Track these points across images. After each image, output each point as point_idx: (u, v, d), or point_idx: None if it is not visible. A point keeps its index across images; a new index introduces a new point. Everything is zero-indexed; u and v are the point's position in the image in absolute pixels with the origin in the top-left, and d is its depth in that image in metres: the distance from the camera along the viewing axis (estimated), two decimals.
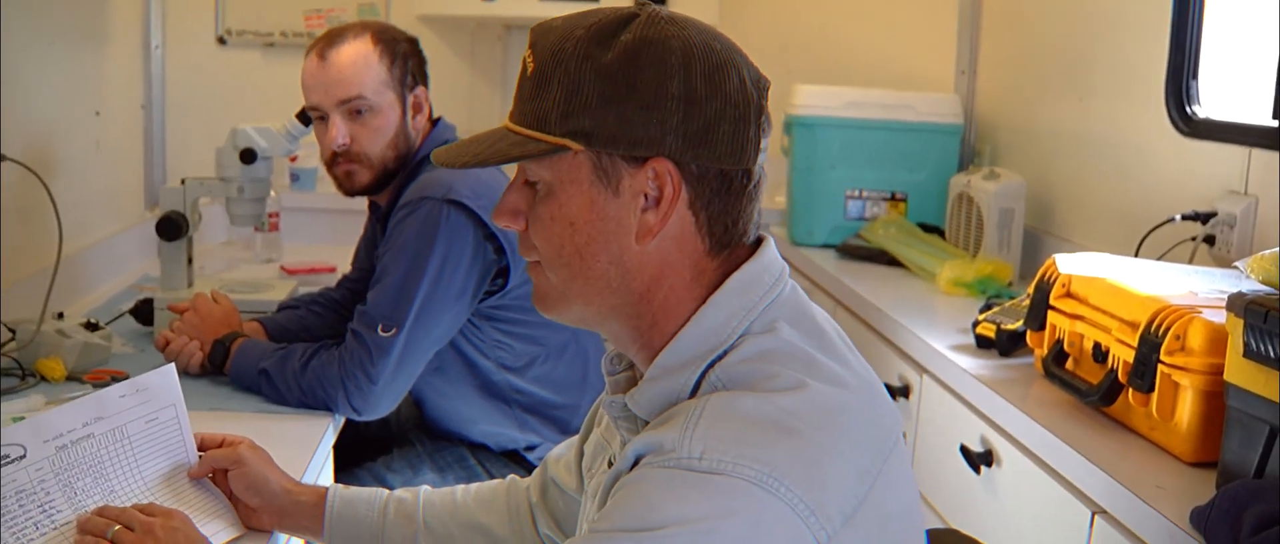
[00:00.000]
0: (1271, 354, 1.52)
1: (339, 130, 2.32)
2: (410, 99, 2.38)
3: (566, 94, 1.16)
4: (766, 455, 1.07)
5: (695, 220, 1.19)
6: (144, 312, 2.59)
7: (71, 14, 3.01)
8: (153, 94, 3.64)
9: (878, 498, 1.13)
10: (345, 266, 2.81)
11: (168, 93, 3.70)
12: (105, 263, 3.09)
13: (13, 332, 2.30)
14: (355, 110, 2.32)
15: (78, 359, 2.24)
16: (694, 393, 1.17)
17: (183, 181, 2.59)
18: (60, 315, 2.37)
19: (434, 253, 2.18)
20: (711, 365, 1.17)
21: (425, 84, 2.42)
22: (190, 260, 2.65)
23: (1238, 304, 1.57)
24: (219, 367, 2.26)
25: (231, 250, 3.62)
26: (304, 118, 2.48)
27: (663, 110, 1.15)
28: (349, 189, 2.40)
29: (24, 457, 1.36)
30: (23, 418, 1.56)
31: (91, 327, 2.32)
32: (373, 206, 2.53)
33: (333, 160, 2.37)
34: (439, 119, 2.46)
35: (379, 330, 2.16)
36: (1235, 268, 1.78)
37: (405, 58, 2.37)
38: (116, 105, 3.36)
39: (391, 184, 2.39)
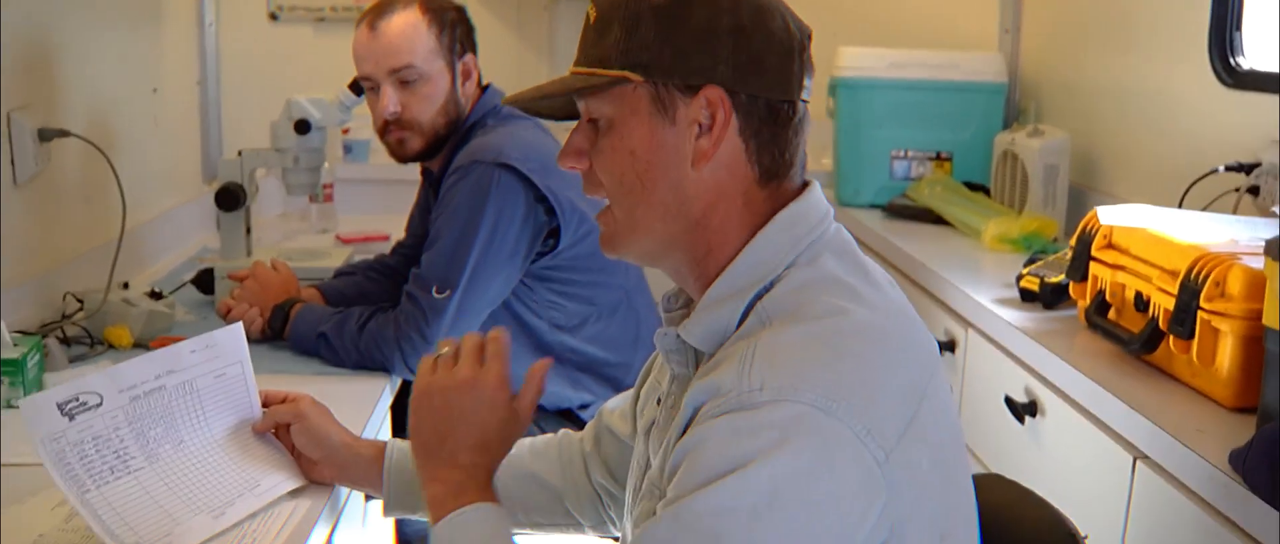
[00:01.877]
0: None
1: (390, 99, 2.37)
2: (459, 66, 2.42)
3: (626, 32, 1.25)
4: (821, 378, 1.12)
5: (745, 148, 1.27)
6: (205, 281, 2.66)
7: None
8: (207, 70, 3.71)
9: (925, 418, 1.18)
10: (399, 236, 2.85)
11: (222, 69, 3.76)
12: (167, 235, 3.17)
13: (81, 301, 2.38)
14: (406, 79, 2.36)
15: (143, 327, 2.31)
16: (741, 323, 1.23)
17: (239, 153, 2.64)
18: (125, 286, 2.44)
19: (486, 215, 2.23)
20: (759, 296, 1.23)
21: (474, 51, 2.46)
22: (248, 230, 2.71)
23: (1275, 249, 1.58)
24: (279, 332, 2.32)
25: (288, 222, 3.69)
26: (356, 88, 2.52)
27: (714, 42, 1.24)
28: (401, 156, 2.44)
29: (101, 405, 1.43)
30: None
31: (155, 296, 2.39)
32: (425, 172, 2.58)
33: (385, 128, 2.41)
34: (489, 85, 2.50)
35: (434, 292, 2.21)
36: (1277, 215, 1.79)
37: (453, 25, 2.41)
38: (173, 82, 3.43)
39: (443, 150, 2.43)
